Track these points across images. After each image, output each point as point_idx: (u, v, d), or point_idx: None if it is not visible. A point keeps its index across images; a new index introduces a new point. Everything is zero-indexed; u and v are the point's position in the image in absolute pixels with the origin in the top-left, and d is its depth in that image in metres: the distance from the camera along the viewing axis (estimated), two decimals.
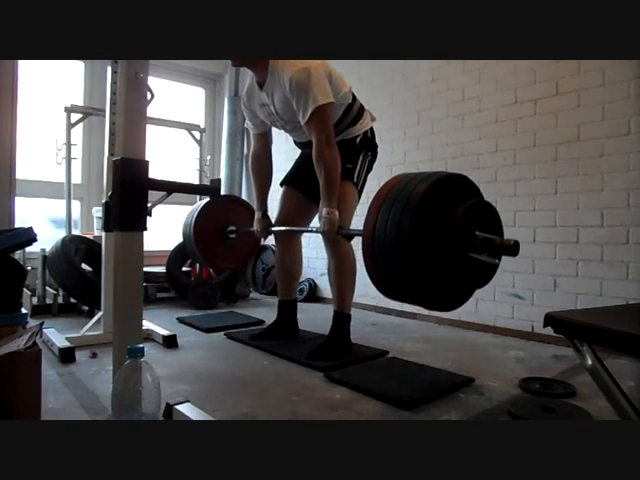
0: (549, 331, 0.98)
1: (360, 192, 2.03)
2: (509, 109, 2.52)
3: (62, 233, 3.18)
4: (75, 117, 3.30)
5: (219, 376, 1.75)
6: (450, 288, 1.25)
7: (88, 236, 3.17)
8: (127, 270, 1.20)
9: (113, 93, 2.19)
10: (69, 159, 3.26)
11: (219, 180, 1.63)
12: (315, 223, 2.21)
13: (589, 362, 0.92)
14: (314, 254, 3.59)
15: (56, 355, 1.90)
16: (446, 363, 1.92)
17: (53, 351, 1.95)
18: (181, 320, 2.76)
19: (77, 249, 2.88)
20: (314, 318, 2.76)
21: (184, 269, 3.61)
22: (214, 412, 1.34)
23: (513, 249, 1.13)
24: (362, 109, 2.07)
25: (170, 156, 4.08)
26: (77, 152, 3.41)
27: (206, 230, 2.17)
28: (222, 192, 1.71)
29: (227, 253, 2.26)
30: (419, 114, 2.98)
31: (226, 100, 4.44)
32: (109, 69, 2.21)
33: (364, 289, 3.15)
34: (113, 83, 2.18)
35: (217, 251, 2.23)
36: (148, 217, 1.23)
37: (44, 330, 2.01)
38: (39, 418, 1.15)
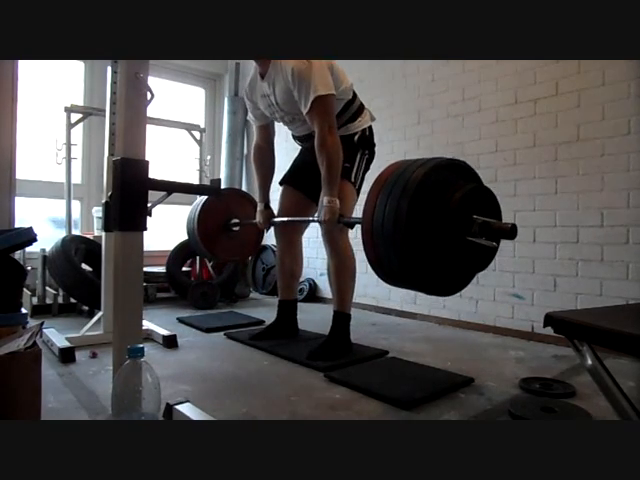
0: (549, 331, 0.98)
1: (358, 191, 2.03)
2: (509, 109, 2.52)
3: (62, 233, 3.18)
4: (75, 117, 3.29)
5: (219, 376, 1.75)
6: (449, 272, 1.25)
7: (88, 236, 3.17)
8: (127, 270, 1.20)
9: (113, 93, 2.19)
10: (69, 159, 3.25)
11: (219, 180, 1.63)
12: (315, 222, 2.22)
13: (589, 362, 0.91)
14: (314, 254, 3.59)
15: (56, 355, 1.90)
16: (446, 363, 1.92)
17: (53, 351, 1.95)
18: (181, 320, 2.76)
19: (77, 249, 2.88)
20: (314, 318, 2.76)
21: (184, 269, 3.61)
22: (214, 412, 1.34)
23: (510, 232, 1.13)
24: (362, 107, 2.07)
25: (170, 156, 4.08)
26: (77, 152, 3.40)
27: (209, 223, 2.19)
28: None
29: (231, 245, 2.29)
30: (419, 114, 2.98)
31: (226, 100, 4.44)
32: (109, 69, 2.21)
33: (364, 289, 3.16)
34: (113, 83, 2.18)
35: (221, 244, 2.26)
36: (148, 217, 1.23)
37: (44, 330, 2.01)
38: (39, 418, 1.15)
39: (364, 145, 2.04)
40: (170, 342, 2.14)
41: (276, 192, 2.26)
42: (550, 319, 0.96)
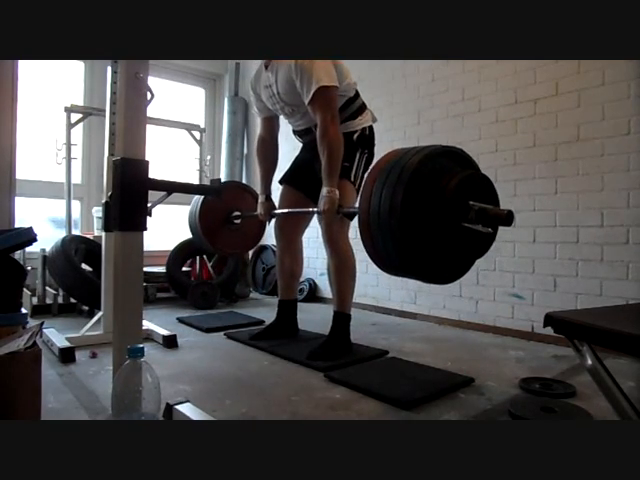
0: (549, 331, 0.97)
1: (358, 191, 2.03)
2: (509, 109, 2.52)
3: (62, 233, 3.18)
4: (75, 117, 3.30)
5: (219, 376, 1.75)
6: (447, 260, 1.24)
7: (88, 236, 3.17)
8: (127, 270, 1.20)
9: (113, 93, 2.19)
10: (69, 159, 3.26)
11: (219, 180, 1.63)
12: (315, 222, 2.22)
13: (589, 362, 0.91)
14: (314, 254, 3.59)
15: (56, 355, 1.90)
16: (446, 363, 1.92)
17: (53, 351, 1.95)
18: (181, 320, 2.76)
19: (77, 249, 2.88)
20: (314, 318, 2.76)
21: (184, 269, 3.61)
22: (214, 412, 1.34)
23: (507, 218, 1.13)
24: (363, 107, 2.07)
25: (170, 156, 4.09)
26: (77, 152, 3.41)
27: (211, 217, 2.20)
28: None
29: (233, 238, 2.30)
30: (419, 114, 2.98)
31: (226, 100, 4.44)
32: (109, 69, 2.21)
33: (364, 289, 3.17)
34: (113, 83, 2.18)
35: (223, 237, 2.26)
36: (148, 217, 1.23)
37: (44, 330, 2.01)
38: (39, 418, 1.15)
39: (363, 144, 2.04)
40: (170, 342, 2.14)
41: (276, 191, 2.26)
42: (550, 319, 0.96)
